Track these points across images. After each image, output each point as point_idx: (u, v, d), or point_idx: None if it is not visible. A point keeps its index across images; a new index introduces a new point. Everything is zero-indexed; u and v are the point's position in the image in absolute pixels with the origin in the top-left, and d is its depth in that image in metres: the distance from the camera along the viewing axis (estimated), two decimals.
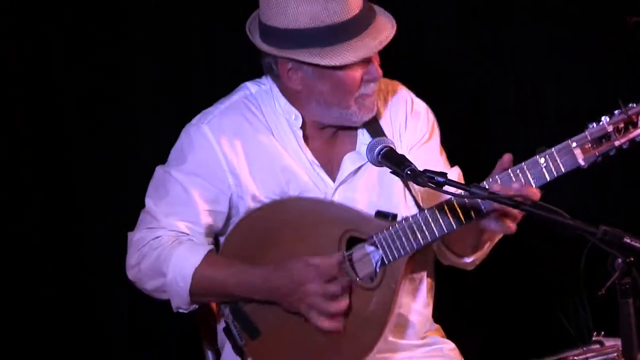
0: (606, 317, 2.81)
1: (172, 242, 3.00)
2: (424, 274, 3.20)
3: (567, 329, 3.76)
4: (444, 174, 2.68)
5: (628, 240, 2.49)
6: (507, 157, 2.91)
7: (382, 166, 2.84)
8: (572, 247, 3.45)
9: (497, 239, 3.11)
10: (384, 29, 3.00)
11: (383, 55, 3.03)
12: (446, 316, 3.35)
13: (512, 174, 2.88)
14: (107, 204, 4.09)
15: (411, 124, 3.19)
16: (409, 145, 3.16)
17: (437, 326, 3.27)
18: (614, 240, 2.49)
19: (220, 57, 4.22)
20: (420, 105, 3.24)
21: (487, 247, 3.13)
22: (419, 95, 3.27)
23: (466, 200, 2.86)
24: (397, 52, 3.07)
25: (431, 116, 3.24)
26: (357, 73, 2.98)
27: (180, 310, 3.05)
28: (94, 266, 4.15)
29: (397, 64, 3.21)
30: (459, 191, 2.74)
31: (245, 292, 2.97)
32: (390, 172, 2.80)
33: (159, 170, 3.12)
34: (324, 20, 2.91)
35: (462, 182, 3.03)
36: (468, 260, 3.14)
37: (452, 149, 3.27)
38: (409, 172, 2.70)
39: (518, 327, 4.50)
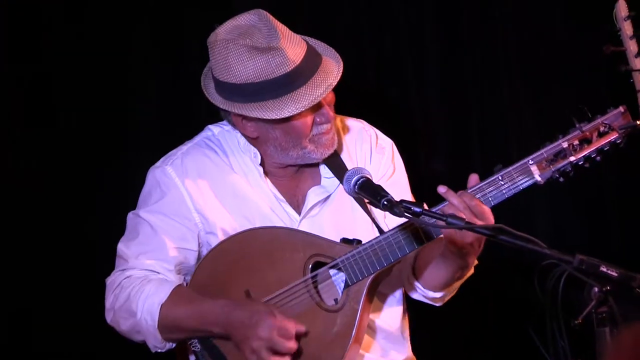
0: (584, 345, 2.81)
1: (141, 280, 3.03)
2: (395, 299, 3.24)
3: (546, 358, 3.75)
4: (420, 204, 2.70)
5: (604, 269, 2.50)
6: (473, 178, 2.97)
7: (358, 197, 2.86)
8: (549, 275, 3.44)
9: (465, 277, 3.14)
10: (330, 72, 3.04)
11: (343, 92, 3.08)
12: (422, 345, 3.34)
13: (471, 192, 2.92)
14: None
15: (376, 158, 3.25)
16: (375, 179, 3.16)
17: (409, 354, 3.28)
18: (591, 269, 2.51)
19: None
20: (386, 141, 3.30)
21: (457, 284, 3.17)
22: (384, 127, 3.32)
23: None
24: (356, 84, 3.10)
25: (396, 151, 3.30)
26: (308, 118, 3.03)
27: (158, 350, 3.07)
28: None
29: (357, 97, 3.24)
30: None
31: (204, 324, 2.97)
32: (367, 202, 2.81)
33: (129, 215, 3.17)
34: (267, 75, 2.96)
35: None
36: (437, 295, 3.18)
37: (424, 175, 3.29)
38: (385, 202, 2.72)
39: (496, 356, 4.49)
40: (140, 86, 4.17)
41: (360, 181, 2.84)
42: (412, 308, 3.31)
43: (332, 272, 3.04)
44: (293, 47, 2.97)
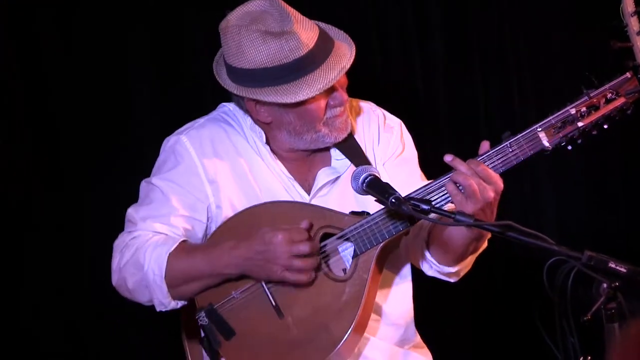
0: (594, 341, 2.81)
1: (148, 237, 3.05)
2: (399, 270, 3.25)
3: (555, 355, 3.75)
4: (428, 201, 2.70)
5: (613, 265, 2.50)
6: (485, 145, 2.98)
7: (366, 194, 2.86)
8: (558, 271, 3.45)
9: (480, 251, 3.15)
10: (343, 55, 3.07)
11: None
12: (432, 338, 3.35)
13: (479, 159, 2.94)
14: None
15: (384, 138, 3.26)
16: (383, 158, 3.23)
17: (418, 340, 3.30)
18: (599, 266, 2.51)
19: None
20: (394, 121, 3.32)
21: (470, 259, 3.17)
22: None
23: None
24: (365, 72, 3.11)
25: (405, 131, 3.32)
26: (321, 101, 3.05)
27: (162, 308, 3.06)
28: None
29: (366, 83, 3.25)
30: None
31: (218, 267, 3.00)
32: (375, 200, 2.82)
33: (142, 183, 3.20)
34: (281, 60, 2.98)
35: None
36: (452, 269, 3.17)
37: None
38: (393, 200, 2.73)
39: (505, 352, 4.50)
40: (139, 85, 4.17)
41: (368, 179, 2.85)
42: (422, 298, 3.30)
43: (340, 243, 3.05)
44: (306, 31, 2.99)
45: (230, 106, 3.24)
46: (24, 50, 4.01)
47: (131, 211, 3.14)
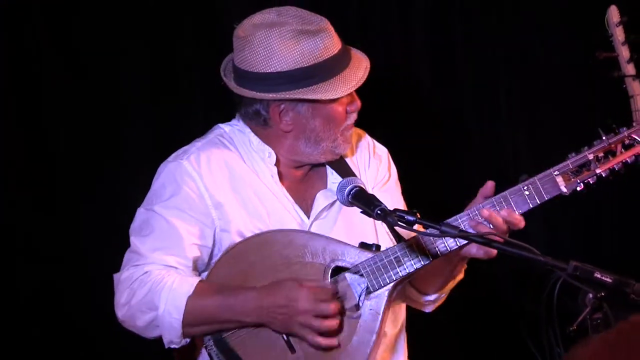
0: None
1: (161, 275, 2.97)
2: (402, 304, 3.23)
3: None
4: (413, 213, 2.69)
5: (598, 276, 2.50)
6: (490, 185, 2.96)
7: (352, 206, 2.84)
8: (544, 281, 3.46)
9: (457, 280, 3.15)
10: (362, 60, 3.09)
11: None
12: (417, 354, 3.35)
13: (495, 202, 2.92)
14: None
15: (374, 164, 3.26)
16: (372, 183, 3.21)
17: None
18: (585, 276, 2.50)
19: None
20: (382, 149, 3.32)
21: (448, 288, 3.18)
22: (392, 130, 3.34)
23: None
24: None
25: (391, 160, 3.32)
26: (344, 105, 3.06)
27: (173, 346, 3.01)
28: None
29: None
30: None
31: (238, 315, 2.95)
32: (361, 211, 2.81)
33: (140, 210, 3.10)
34: (316, 59, 2.97)
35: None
36: (430, 298, 3.18)
37: (424, 185, 3.29)
38: (379, 212, 2.71)
39: None
40: (133, 98, 4.16)
41: (353, 190, 2.83)
42: (407, 316, 3.30)
43: (352, 277, 3.00)
44: (334, 32, 3.02)
45: (226, 128, 3.17)
46: (17, 68, 4.00)
47: (136, 242, 3.04)
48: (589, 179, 2.94)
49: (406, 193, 3.31)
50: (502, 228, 2.87)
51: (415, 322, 3.34)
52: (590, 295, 2.57)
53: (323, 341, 2.93)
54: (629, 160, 2.95)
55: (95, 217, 4.07)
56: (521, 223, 2.89)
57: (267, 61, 2.97)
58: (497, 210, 2.90)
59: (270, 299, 2.92)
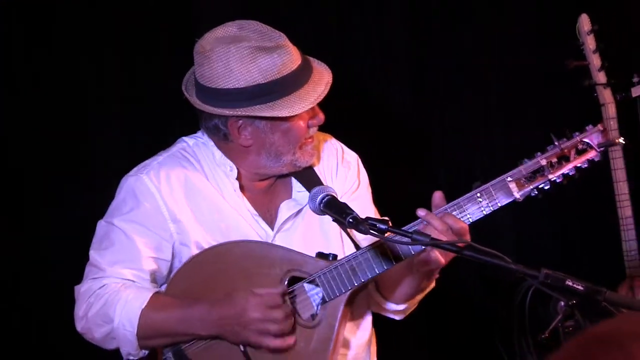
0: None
1: (118, 288, 3.00)
2: (365, 312, 3.22)
3: None
4: (385, 221, 2.69)
5: (570, 283, 2.50)
6: (438, 195, 2.97)
7: (324, 214, 2.84)
8: (515, 289, 3.47)
9: (428, 290, 3.15)
10: (323, 75, 3.06)
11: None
12: None
13: (449, 210, 2.93)
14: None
15: (342, 172, 3.25)
16: (340, 192, 3.18)
17: None
18: (556, 284, 2.50)
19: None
20: (351, 155, 3.31)
21: (418, 298, 3.18)
22: (358, 140, 3.32)
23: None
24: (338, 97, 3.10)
25: (361, 166, 3.30)
26: (306, 119, 3.04)
27: (131, 358, 3.03)
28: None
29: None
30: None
31: (192, 327, 2.97)
32: (333, 220, 2.80)
33: (100, 223, 3.12)
34: (274, 75, 2.95)
35: None
36: (400, 307, 3.18)
37: (393, 191, 3.28)
38: (351, 220, 2.70)
39: None
40: (103, 106, 4.15)
41: (325, 199, 2.82)
42: (376, 323, 3.30)
43: (308, 287, 3.02)
44: (294, 46, 3.00)
45: (190, 141, 3.18)
46: None
47: (95, 255, 3.07)
48: (543, 185, 2.95)
49: (376, 200, 3.31)
50: (442, 228, 2.86)
51: (386, 330, 3.33)
52: (562, 303, 2.57)
53: (280, 343, 2.94)
54: (582, 166, 2.97)
55: (62, 225, 4.05)
56: (457, 223, 2.86)
57: (225, 77, 2.97)
58: (431, 213, 2.89)
59: (222, 310, 2.94)
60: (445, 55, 4.57)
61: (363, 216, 2.72)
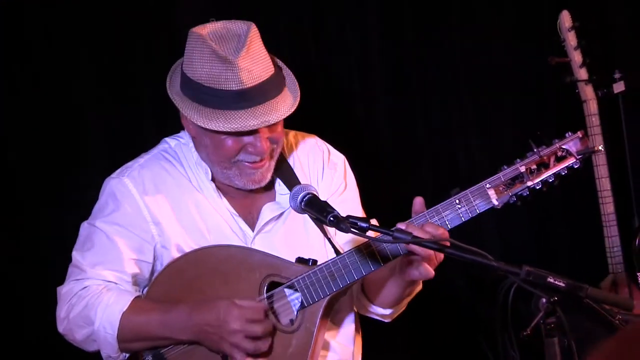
0: (534, 356, 2.82)
1: (99, 290, 3.00)
2: (348, 315, 3.22)
3: None
4: (366, 219, 2.68)
5: (552, 280, 2.51)
6: (418, 201, 2.95)
7: (305, 213, 2.83)
8: (498, 286, 3.48)
9: (415, 293, 3.16)
10: (278, 109, 2.97)
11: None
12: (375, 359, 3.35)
13: (427, 216, 2.92)
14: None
15: (328, 174, 3.24)
16: (326, 195, 3.18)
17: None
18: (538, 281, 2.51)
19: None
20: (338, 157, 3.29)
21: (405, 302, 3.19)
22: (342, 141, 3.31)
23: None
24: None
25: (348, 167, 3.29)
26: (237, 142, 2.99)
27: None
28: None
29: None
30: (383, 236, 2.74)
31: (171, 332, 2.97)
32: (314, 218, 2.80)
33: (84, 225, 3.13)
34: (215, 84, 2.93)
35: None
36: (386, 312, 3.19)
37: (376, 195, 3.28)
38: (332, 219, 2.69)
39: None
40: (92, 106, 4.14)
41: (306, 197, 2.80)
42: (362, 324, 3.30)
43: (287, 292, 3.02)
44: (250, 70, 2.92)
45: (172, 142, 3.19)
46: None
47: (77, 256, 3.08)
48: (522, 192, 2.94)
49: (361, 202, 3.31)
50: (424, 237, 2.83)
51: (370, 329, 3.33)
52: (544, 300, 2.57)
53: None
54: (562, 172, 2.95)
55: (55, 224, 4.04)
56: (437, 230, 2.85)
57: (186, 62, 3.00)
58: (415, 223, 2.88)
59: (202, 316, 2.93)
60: (426, 55, 4.57)
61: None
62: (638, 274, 3.38)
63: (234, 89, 2.92)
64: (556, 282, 2.50)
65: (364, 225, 2.66)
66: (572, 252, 4.69)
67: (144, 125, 4.18)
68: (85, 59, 4.11)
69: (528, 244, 4.68)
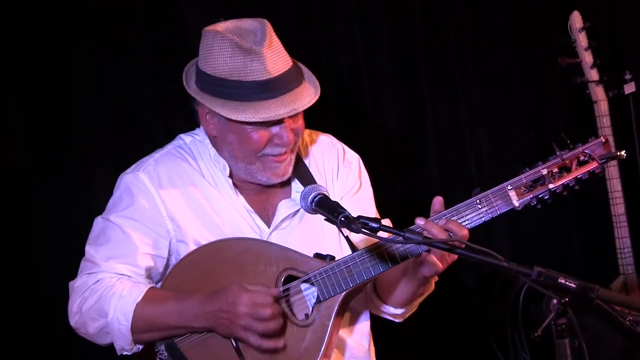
0: (545, 356, 2.82)
1: (112, 283, 2.99)
2: (363, 313, 3.22)
3: None
4: (377, 220, 2.68)
5: (563, 281, 2.50)
6: (437, 200, 2.94)
7: (316, 213, 2.83)
8: (508, 287, 3.48)
9: (427, 294, 3.15)
10: (302, 98, 3.00)
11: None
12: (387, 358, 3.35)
13: (448, 215, 2.91)
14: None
15: (343, 172, 3.23)
16: (341, 193, 3.19)
17: None
18: (549, 282, 2.50)
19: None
20: (352, 156, 3.29)
21: (417, 302, 3.18)
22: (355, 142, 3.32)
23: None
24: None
25: (362, 167, 3.28)
26: (265, 133, 3.00)
27: (125, 352, 3.03)
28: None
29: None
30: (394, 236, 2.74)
31: (186, 320, 2.96)
32: (325, 219, 2.80)
33: (97, 219, 3.12)
34: (240, 76, 2.94)
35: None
36: (399, 312, 3.18)
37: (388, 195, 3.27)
38: (342, 219, 2.69)
39: None
40: (91, 104, 4.12)
41: (317, 198, 2.81)
42: (373, 323, 3.30)
43: (304, 286, 3.01)
44: (275, 60, 2.95)
45: (187, 139, 3.19)
46: None
47: (91, 250, 3.07)
48: (543, 195, 2.93)
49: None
50: (443, 236, 2.83)
51: (381, 328, 3.33)
52: (555, 301, 2.56)
53: (266, 343, 2.92)
54: (583, 177, 2.94)
55: (50, 222, 4.04)
56: (462, 231, 2.85)
57: (205, 60, 2.99)
58: (433, 221, 2.87)
59: (214, 304, 2.92)
60: (434, 54, 4.57)
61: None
62: None
63: (259, 79, 2.94)
64: (567, 283, 2.50)
65: (374, 225, 2.66)
66: (582, 253, 4.68)
67: (150, 121, 4.16)
68: (83, 55, 4.10)
69: (539, 244, 4.67)
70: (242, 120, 2.92)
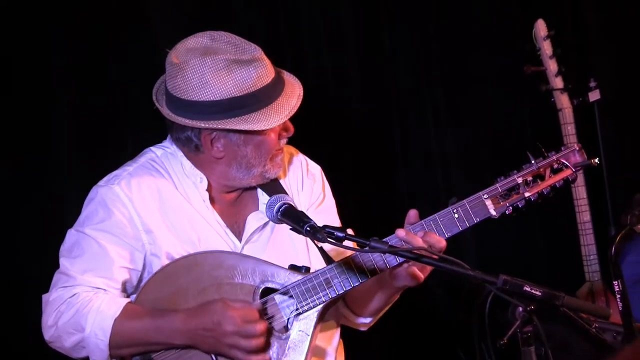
0: None
1: (89, 297, 2.96)
2: (335, 322, 3.22)
3: None
4: (343, 229, 2.68)
5: (528, 289, 2.51)
6: (413, 213, 2.95)
7: (281, 223, 2.83)
8: (475, 294, 3.49)
9: (392, 303, 3.16)
10: (295, 86, 3.07)
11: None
12: None
13: (425, 226, 2.92)
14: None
15: (307, 184, 3.24)
16: (306, 205, 3.19)
17: None
18: (515, 289, 2.51)
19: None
20: (315, 168, 3.30)
21: (384, 311, 3.20)
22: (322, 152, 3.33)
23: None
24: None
25: (325, 178, 3.30)
26: (276, 132, 3.04)
27: None
28: None
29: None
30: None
31: (166, 337, 2.94)
32: (290, 228, 2.79)
33: (71, 232, 3.09)
34: (248, 88, 2.94)
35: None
36: (366, 320, 3.20)
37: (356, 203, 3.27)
38: (308, 229, 2.69)
39: None
40: (65, 115, 4.09)
41: (282, 207, 2.81)
42: (343, 331, 3.30)
43: (281, 298, 3.00)
44: (269, 60, 3.00)
45: (158, 151, 3.16)
46: None
47: (65, 263, 3.03)
48: (518, 203, 2.95)
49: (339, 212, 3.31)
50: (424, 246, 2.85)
51: (350, 336, 3.33)
52: (520, 309, 2.57)
53: (255, 358, 2.92)
54: (557, 185, 2.96)
55: (26, 235, 4.00)
56: (440, 243, 2.87)
57: (200, 90, 2.95)
58: (413, 232, 2.88)
59: (197, 321, 2.91)
60: (401, 61, 4.57)
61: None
62: (614, 282, 3.38)
63: (269, 81, 2.97)
64: (532, 291, 2.51)
65: (340, 234, 2.66)
66: (548, 260, 4.70)
67: (121, 131, 4.14)
68: (59, 63, 4.06)
69: (504, 252, 4.68)
70: (271, 126, 2.96)
